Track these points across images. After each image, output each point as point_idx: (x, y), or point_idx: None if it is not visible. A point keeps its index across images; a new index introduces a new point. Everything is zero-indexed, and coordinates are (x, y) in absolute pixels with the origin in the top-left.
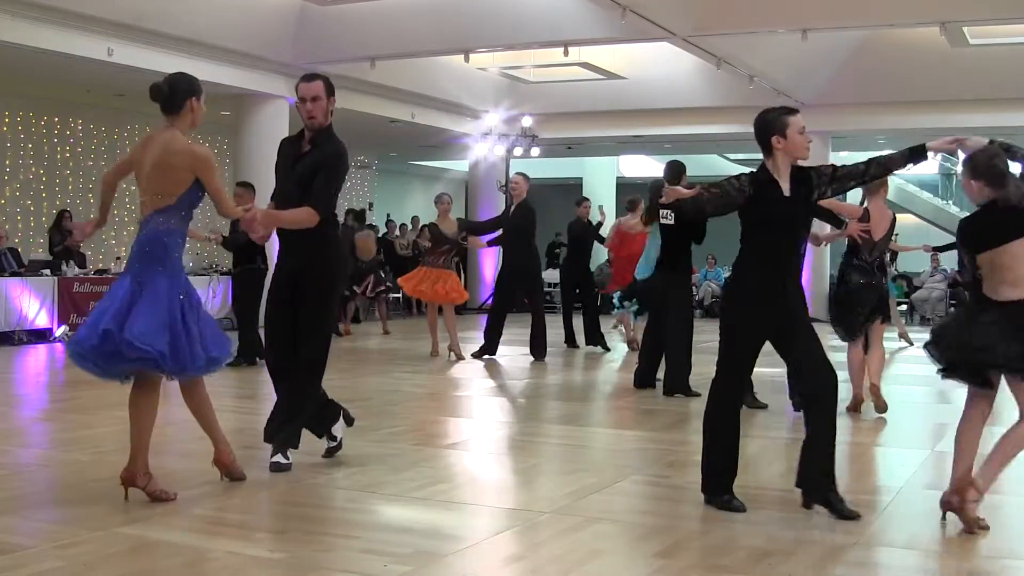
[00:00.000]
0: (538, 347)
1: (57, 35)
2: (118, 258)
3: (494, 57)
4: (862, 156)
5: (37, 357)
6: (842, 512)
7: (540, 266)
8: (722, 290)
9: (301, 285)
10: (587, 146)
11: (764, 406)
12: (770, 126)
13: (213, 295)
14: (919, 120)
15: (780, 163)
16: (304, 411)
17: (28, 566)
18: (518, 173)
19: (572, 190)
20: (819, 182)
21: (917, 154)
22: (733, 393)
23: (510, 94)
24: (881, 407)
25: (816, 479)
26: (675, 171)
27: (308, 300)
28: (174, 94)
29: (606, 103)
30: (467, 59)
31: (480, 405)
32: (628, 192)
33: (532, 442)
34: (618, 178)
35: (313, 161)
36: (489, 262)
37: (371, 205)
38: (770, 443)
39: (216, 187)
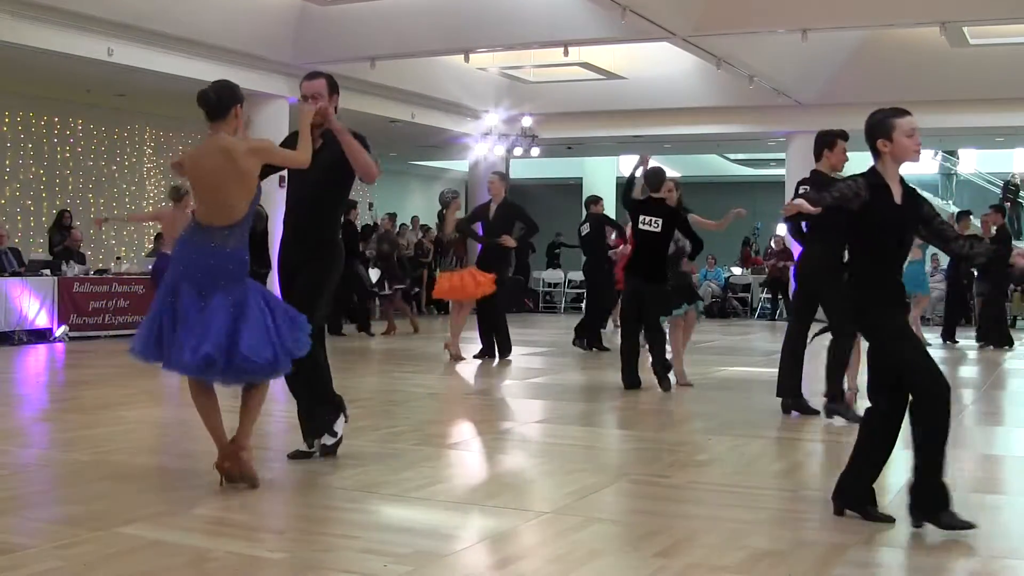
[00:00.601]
0: (503, 346)
1: (57, 35)
2: (118, 258)
3: (494, 57)
4: (862, 156)
5: (37, 357)
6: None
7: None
8: (856, 303)
9: (302, 270)
10: (587, 146)
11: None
12: (876, 129)
13: None
14: (919, 120)
15: (888, 167)
16: (322, 382)
17: (28, 566)
18: (494, 173)
19: (572, 190)
20: (924, 213)
21: (998, 261)
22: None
23: (510, 94)
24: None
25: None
26: (659, 179)
27: (302, 283)
28: (220, 101)
29: (606, 103)
30: (467, 59)
31: (480, 405)
32: None
33: (532, 442)
34: (618, 178)
35: (328, 159)
36: None
37: (371, 205)
38: (770, 443)
39: (286, 158)
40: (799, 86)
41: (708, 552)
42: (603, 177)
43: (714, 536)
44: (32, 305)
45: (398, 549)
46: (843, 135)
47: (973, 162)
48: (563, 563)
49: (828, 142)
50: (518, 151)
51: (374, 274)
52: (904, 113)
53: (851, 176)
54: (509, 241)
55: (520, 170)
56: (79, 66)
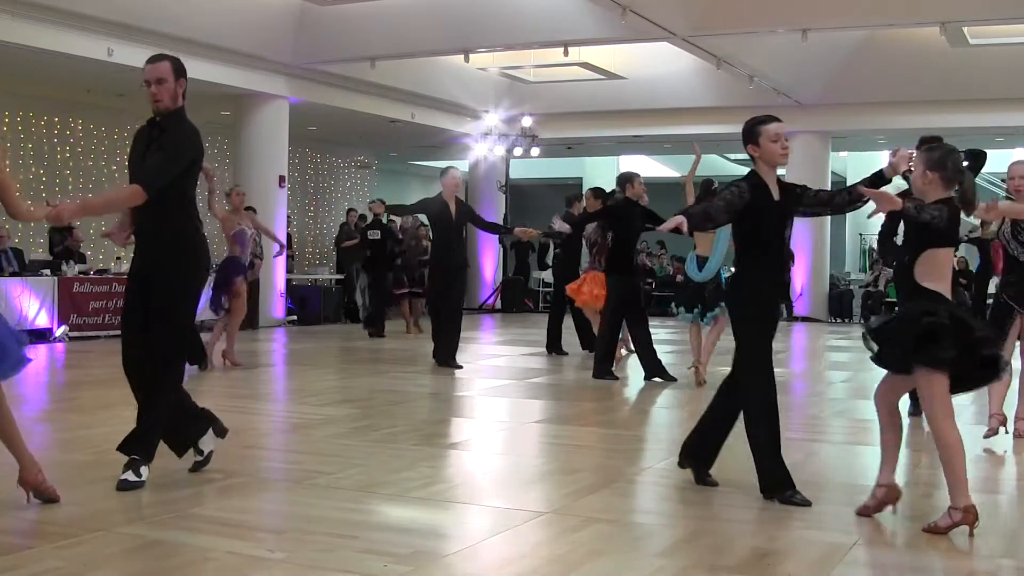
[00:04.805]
0: (450, 350)
1: (57, 35)
2: (118, 258)
3: (494, 57)
4: (863, 156)
5: (37, 357)
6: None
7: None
8: (732, 293)
9: (153, 283)
10: (587, 146)
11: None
12: (746, 136)
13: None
14: (919, 120)
15: (762, 170)
16: (156, 419)
17: (28, 566)
18: (457, 170)
19: (572, 190)
20: (803, 200)
21: (878, 178)
22: (772, 390)
23: (510, 94)
24: None
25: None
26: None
27: (156, 299)
28: None
29: (606, 103)
30: (467, 59)
31: (480, 405)
32: None
33: (532, 442)
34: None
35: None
36: (488, 263)
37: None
38: None
39: (6, 187)
40: (799, 86)
41: (708, 552)
42: (603, 177)
43: (714, 536)
44: (32, 305)
45: (398, 549)
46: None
47: None
48: (563, 563)
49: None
50: (518, 151)
51: None
52: (771, 120)
53: (735, 183)
54: (532, 233)
55: (520, 170)
56: (79, 66)
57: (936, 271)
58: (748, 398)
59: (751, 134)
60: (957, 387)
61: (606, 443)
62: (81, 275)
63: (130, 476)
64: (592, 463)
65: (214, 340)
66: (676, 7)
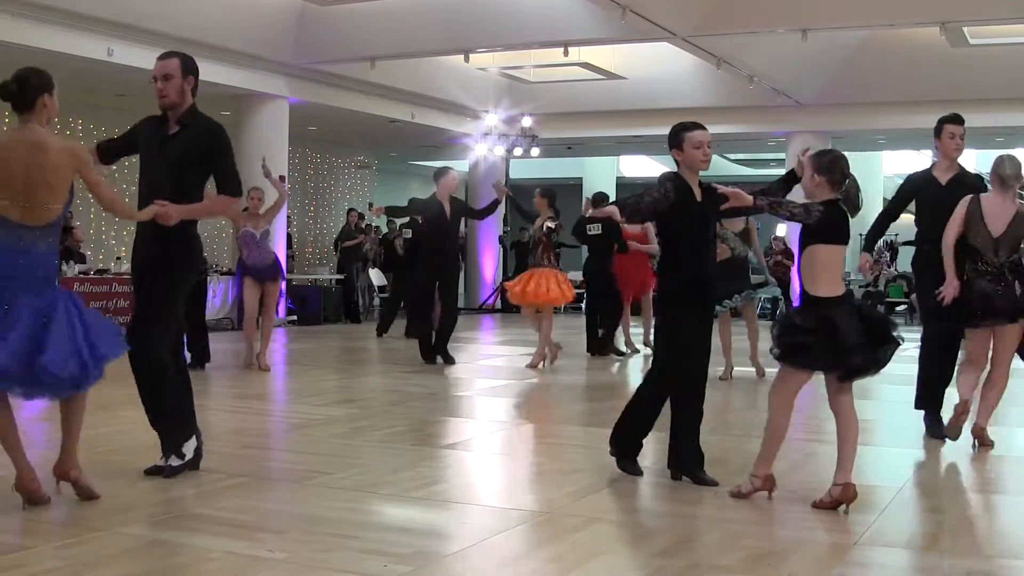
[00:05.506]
0: (443, 342)
1: (57, 35)
2: (118, 258)
3: (494, 57)
4: (863, 156)
5: None
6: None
7: None
8: (660, 284)
9: (153, 270)
10: (587, 146)
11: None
12: (671, 140)
13: (213, 295)
14: (919, 120)
15: (685, 173)
16: (166, 398)
17: (28, 566)
18: (453, 170)
19: (572, 190)
20: (720, 201)
21: (790, 179)
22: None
23: (510, 94)
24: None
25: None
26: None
27: (152, 283)
28: (23, 92)
29: (606, 103)
30: (467, 59)
31: (480, 405)
32: (628, 192)
33: (532, 442)
34: (618, 178)
35: (185, 144)
36: (488, 263)
37: (371, 205)
38: None
39: (98, 181)
40: (799, 86)
41: (708, 552)
42: (603, 177)
43: (714, 536)
44: None
45: (398, 549)
46: (951, 119)
47: (973, 162)
48: (563, 563)
49: (935, 129)
50: (518, 151)
51: (375, 275)
52: (694, 128)
53: (660, 184)
54: (503, 188)
55: (520, 170)
56: (79, 66)
57: (817, 270)
58: (658, 373)
59: (676, 138)
60: (846, 377)
61: (606, 443)
62: (81, 275)
63: (173, 461)
64: (592, 463)
65: (248, 341)
66: (676, 7)
